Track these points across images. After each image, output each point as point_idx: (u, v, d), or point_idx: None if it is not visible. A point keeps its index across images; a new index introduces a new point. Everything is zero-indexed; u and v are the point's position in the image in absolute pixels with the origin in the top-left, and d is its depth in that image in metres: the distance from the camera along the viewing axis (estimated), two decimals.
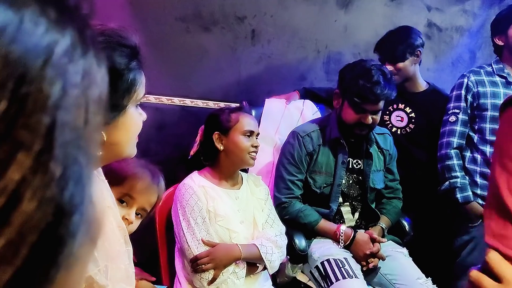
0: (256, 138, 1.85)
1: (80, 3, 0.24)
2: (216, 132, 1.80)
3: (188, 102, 2.55)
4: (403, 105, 2.46)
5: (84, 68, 0.23)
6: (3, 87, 0.19)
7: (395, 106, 2.47)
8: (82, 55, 0.23)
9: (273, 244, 1.80)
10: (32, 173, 0.21)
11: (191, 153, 1.97)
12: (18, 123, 0.20)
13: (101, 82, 0.25)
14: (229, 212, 1.78)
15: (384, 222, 2.15)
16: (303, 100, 2.45)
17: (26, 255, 0.21)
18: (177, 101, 2.53)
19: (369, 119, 1.99)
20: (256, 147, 1.82)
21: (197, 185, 1.78)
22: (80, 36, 0.23)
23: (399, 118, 2.47)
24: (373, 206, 2.18)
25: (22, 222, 0.21)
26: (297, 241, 1.97)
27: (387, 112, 2.47)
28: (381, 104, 1.99)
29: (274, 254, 1.78)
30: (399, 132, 2.46)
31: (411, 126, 2.46)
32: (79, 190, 0.24)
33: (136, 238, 2.27)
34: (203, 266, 1.68)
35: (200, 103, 2.56)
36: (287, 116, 2.40)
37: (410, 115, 2.46)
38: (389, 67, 2.32)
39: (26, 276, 0.21)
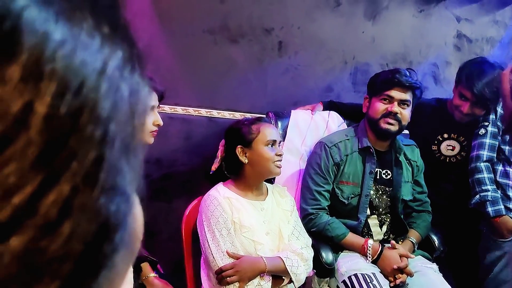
0: (280, 146, 1.85)
1: (129, 23, 0.25)
2: (239, 146, 1.80)
3: (215, 113, 2.56)
4: (456, 135, 2.38)
5: (132, 84, 0.24)
6: (63, 96, 0.20)
7: (445, 135, 2.39)
8: (131, 72, 0.24)
9: (299, 256, 1.78)
10: (83, 184, 0.21)
11: (213, 168, 1.97)
12: (74, 133, 0.21)
13: (145, 100, 0.26)
14: (254, 224, 1.78)
15: (414, 236, 2.11)
16: (328, 111, 2.44)
17: (71, 267, 0.21)
18: (204, 112, 2.55)
19: (396, 108, 2.01)
20: (280, 155, 1.81)
21: (222, 196, 1.78)
22: (129, 54, 0.24)
23: (450, 147, 2.40)
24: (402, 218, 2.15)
25: (71, 232, 0.21)
26: (323, 254, 1.94)
27: (436, 142, 2.39)
28: (409, 95, 2.03)
29: (300, 267, 1.76)
30: (447, 160, 2.40)
31: (463, 153, 2.38)
32: (124, 203, 0.24)
33: (162, 249, 2.30)
34: (228, 278, 1.67)
35: (226, 114, 2.57)
36: (313, 127, 2.39)
37: (463, 144, 2.39)
38: (478, 111, 2.23)
39: None
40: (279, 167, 1.82)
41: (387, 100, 2.03)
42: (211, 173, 1.97)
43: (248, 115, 2.57)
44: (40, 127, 0.19)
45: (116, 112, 0.22)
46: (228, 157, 1.85)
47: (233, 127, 1.86)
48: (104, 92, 0.22)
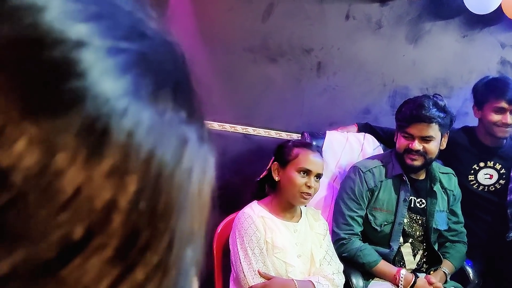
0: (318, 178, 1.81)
1: (202, 105, 0.26)
2: (275, 163, 1.82)
3: (250, 130, 2.58)
4: (492, 162, 2.32)
5: (203, 160, 0.25)
6: (143, 190, 0.21)
7: (481, 164, 2.32)
8: (203, 148, 0.25)
9: (329, 282, 1.76)
10: (154, 271, 0.22)
11: (261, 176, 1.99)
12: (149, 226, 0.21)
13: (210, 176, 0.27)
14: (286, 245, 1.78)
15: (447, 267, 2.06)
16: (363, 133, 2.42)
17: None
18: (240, 129, 2.57)
19: (416, 145, 1.95)
20: (309, 187, 1.76)
21: (256, 215, 1.79)
22: (201, 134, 0.25)
23: (488, 176, 2.32)
24: (435, 248, 2.11)
25: None
26: (354, 280, 1.92)
27: (472, 172, 2.33)
28: (430, 130, 1.94)
29: None
30: (486, 190, 2.33)
31: (501, 182, 2.31)
32: (187, 283, 0.25)
33: None
34: None
35: (262, 132, 2.59)
36: (348, 149, 2.37)
37: (500, 172, 2.32)
38: (511, 118, 2.17)
39: None
40: (305, 199, 1.78)
41: (408, 136, 1.98)
42: (257, 179, 1.98)
43: (284, 134, 2.58)
44: (121, 222, 0.20)
45: (187, 201, 0.23)
46: (270, 170, 1.87)
47: (281, 144, 1.89)
48: (178, 183, 0.23)
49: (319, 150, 1.90)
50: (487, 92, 2.23)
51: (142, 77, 0.22)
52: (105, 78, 0.20)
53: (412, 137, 1.97)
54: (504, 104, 2.18)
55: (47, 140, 0.19)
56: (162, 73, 0.23)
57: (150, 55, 0.23)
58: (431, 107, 1.93)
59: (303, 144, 1.86)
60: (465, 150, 2.30)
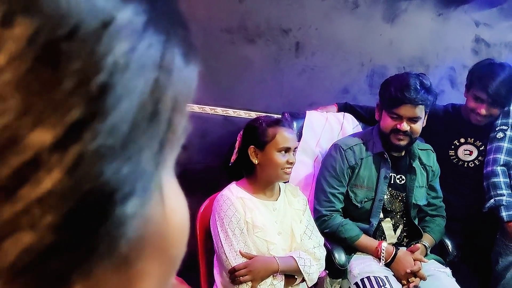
0: (294, 152, 1.82)
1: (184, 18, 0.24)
2: (251, 146, 1.78)
3: (230, 112, 2.58)
4: (473, 139, 2.36)
5: (154, 52, 0.22)
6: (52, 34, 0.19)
7: (462, 140, 2.36)
8: (154, 33, 0.22)
9: (311, 256, 1.78)
10: (87, 106, 0.19)
11: (232, 160, 1.98)
12: (73, 37, 0.19)
13: (178, 80, 0.23)
14: (266, 224, 1.78)
15: (427, 240, 2.11)
16: (343, 113, 2.44)
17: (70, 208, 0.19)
18: (220, 111, 2.56)
19: (405, 125, 1.97)
20: (291, 163, 1.78)
21: (235, 196, 1.78)
22: (153, 13, 0.22)
23: (468, 152, 2.37)
24: (416, 223, 2.15)
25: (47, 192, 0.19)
26: (336, 255, 1.95)
27: (453, 147, 2.37)
28: (418, 111, 1.96)
29: (313, 266, 1.77)
30: (465, 165, 2.38)
31: (480, 158, 2.36)
32: (136, 174, 0.22)
33: None
34: (241, 277, 1.68)
35: (242, 113, 2.59)
36: (328, 129, 2.39)
37: (480, 149, 2.36)
38: (495, 111, 2.19)
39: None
40: (287, 174, 1.79)
41: (396, 117, 1.99)
42: (230, 164, 1.97)
43: (264, 115, 2.57)
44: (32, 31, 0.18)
45: (119, 69, 0.20)
46: (242, 153, 1.84)
47: (250, 125, 1.84)
48: (105, 44, 0.20)
49: (289, 123, 1.90)
50: (474, 77, 2.23)
51: None
52: None
53: (400, 118, 1.98)
54: (483, 95, 2.18)
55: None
56: None
57: None
58: (418, 88, 1.94)
59: (275, 122, 1.81)
60: (448, 125, 2.34)
